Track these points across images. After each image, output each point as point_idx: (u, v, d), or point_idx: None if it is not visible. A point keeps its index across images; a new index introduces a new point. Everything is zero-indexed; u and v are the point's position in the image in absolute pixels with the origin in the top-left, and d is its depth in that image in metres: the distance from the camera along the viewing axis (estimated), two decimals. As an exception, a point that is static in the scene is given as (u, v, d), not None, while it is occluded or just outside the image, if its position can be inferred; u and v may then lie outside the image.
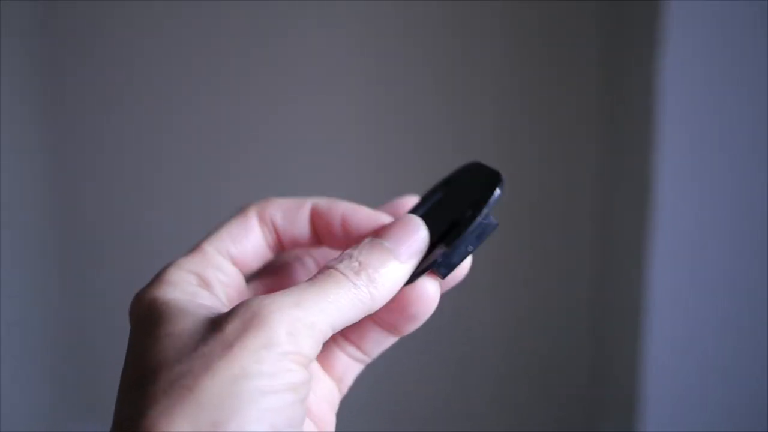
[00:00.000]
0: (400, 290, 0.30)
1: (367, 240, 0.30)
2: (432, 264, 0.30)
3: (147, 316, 0.29)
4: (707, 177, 0.72)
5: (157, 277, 0.30)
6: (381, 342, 0.33)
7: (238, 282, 0.32)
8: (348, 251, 0.30)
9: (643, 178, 0.75)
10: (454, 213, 0.31)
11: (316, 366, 0.33)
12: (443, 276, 0.30)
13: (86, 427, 1.14)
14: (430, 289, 0.31)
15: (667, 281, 0.74)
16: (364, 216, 0.33)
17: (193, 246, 0.32)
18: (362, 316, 0.29)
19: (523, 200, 0.97)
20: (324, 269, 0.29)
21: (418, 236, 0.31)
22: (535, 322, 1.01)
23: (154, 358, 0.27)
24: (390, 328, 0.32)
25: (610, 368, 0.92)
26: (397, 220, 0.31)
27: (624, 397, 0.84)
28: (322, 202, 0.33)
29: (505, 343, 1.03)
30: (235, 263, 0.32)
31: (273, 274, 0.35)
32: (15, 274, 1.02)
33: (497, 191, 0.30)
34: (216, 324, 0.27)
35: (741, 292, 0.73)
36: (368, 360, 0.34)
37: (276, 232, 0.33)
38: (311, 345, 0.27)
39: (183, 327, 0.27)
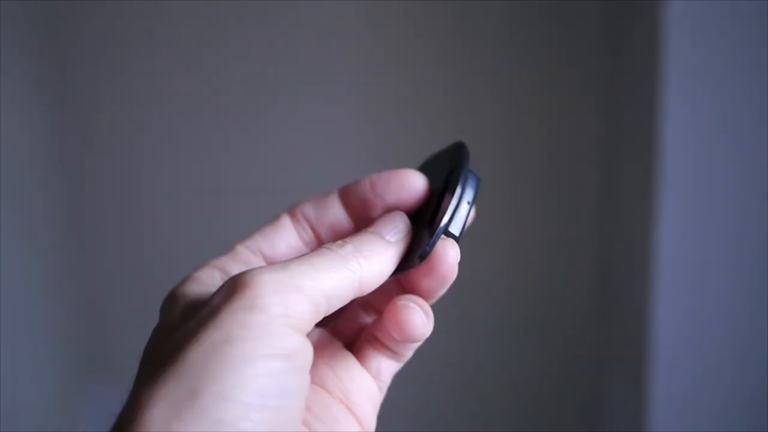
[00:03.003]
0: (429, 260, 0.31)
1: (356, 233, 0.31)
2: (447, 224, 0.31)
3: (165, 308, 0.30)
4: (712, 142, 0.72)
5: (187, 276, 0.31)
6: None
7: None
8: (339, 241, 0.30)
9: (647, 135, 0.76)
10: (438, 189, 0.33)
11: (352, 359, 0.33)
12: (458, 234, 0.31)
13: (98, 386, 1.17)
14: (450, 252, 0.31)
15: (675, 236, 0.75)
16: (389, 175, 0.33)
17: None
18: (354, 287, 0.29)
19: (528, 166, 1.00)
20: (314, 249, 0.30)
21: (400, 220, 0.32)
22: (541, 282, 1.04)
23: (154, 338, 0.28)
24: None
25: (619, 321, 0.94)
26: (382, 215, 0.33)
27: (633, 348, 0.85)
28: (348, 184, 0.34)
29: (514, 288, 1.05)
30: (267, 260, 0.33)
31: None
32: (27, 238, 1.04)
33: (466, 150, 0.33)
34: (208, 300, 0.27)
35: (750, 239, 0.74)
36: (402, 358, 0.33)
37: (312, 227, 0.34)
38: (303, 308, 0.26)
39: (188, 301, 0.29)
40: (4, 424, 0.92)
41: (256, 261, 0.32)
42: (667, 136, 0.72)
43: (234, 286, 0.26)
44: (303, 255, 0.29)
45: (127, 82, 1.07)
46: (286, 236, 0.33)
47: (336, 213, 0.33)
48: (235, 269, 0.31)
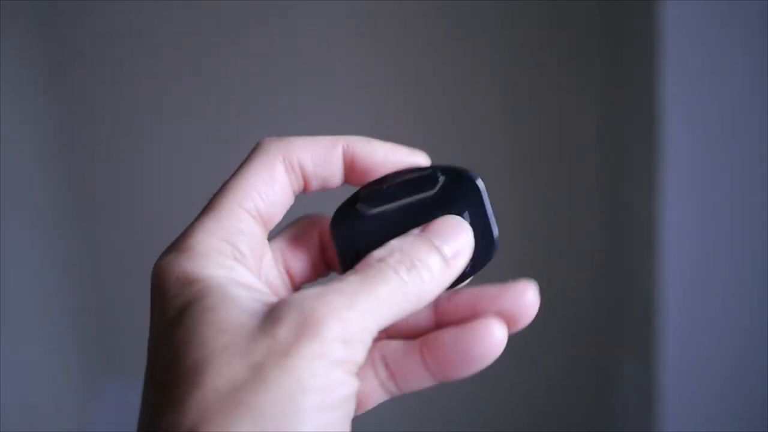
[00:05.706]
0: (465, 333, 0.29)
1: (413, 232, 0.29)
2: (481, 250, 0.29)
3: (181, 295, 0.26)
4: (712, 141, 0.73)
5: (185, 244, 0.27)
6: (420, 383, 0.29)
7: (262, 243, 0.29)
8: (394, 243, 0.28)
9: (647, 134, 0.76)
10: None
11: None
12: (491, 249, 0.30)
13: (114, 383, 1.17)
14: (497, 331, 0.29)
15: (675, 234, 0.75)
16: (403, 154, 0.31)
17: (215, 199, 0.28)
18: (407, 315, 0.27)
19: (528, 166, 1.00)
20: (371, 261, 0.27)
21: (465, 237, 0.29)
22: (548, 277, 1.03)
23: (196, 353, 0.24)
24: (439, 374, 0.29)
25: (620, 320, 0.93)
26: (442, 218, 0.29)
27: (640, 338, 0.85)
28: (360, 144, 0.31)
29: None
30: (258, 218, 0.29)
31: (292, 236, 0.32)
32: (36, 238, 1.04)
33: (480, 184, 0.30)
34: (266, 323, 0.24)
35: (749, 236, 0.74)
36: (398, 394, 0.30)
37: (304, 176, 0.30)
38: (362, 351, 0.25)
39: (228, 318, 0.24)
40: (20, 423, 0.93)
41: (258, 231, 0.29)
42: (667, 135, 0.72)
43: (304, 325, 0.24)
44: (366, 276, 0.26)
45: (128, 81, 1.07)
46: (279, 189, 0.29)
47: (335, 170, 0.30)
48: (243, 244, 0.28)
